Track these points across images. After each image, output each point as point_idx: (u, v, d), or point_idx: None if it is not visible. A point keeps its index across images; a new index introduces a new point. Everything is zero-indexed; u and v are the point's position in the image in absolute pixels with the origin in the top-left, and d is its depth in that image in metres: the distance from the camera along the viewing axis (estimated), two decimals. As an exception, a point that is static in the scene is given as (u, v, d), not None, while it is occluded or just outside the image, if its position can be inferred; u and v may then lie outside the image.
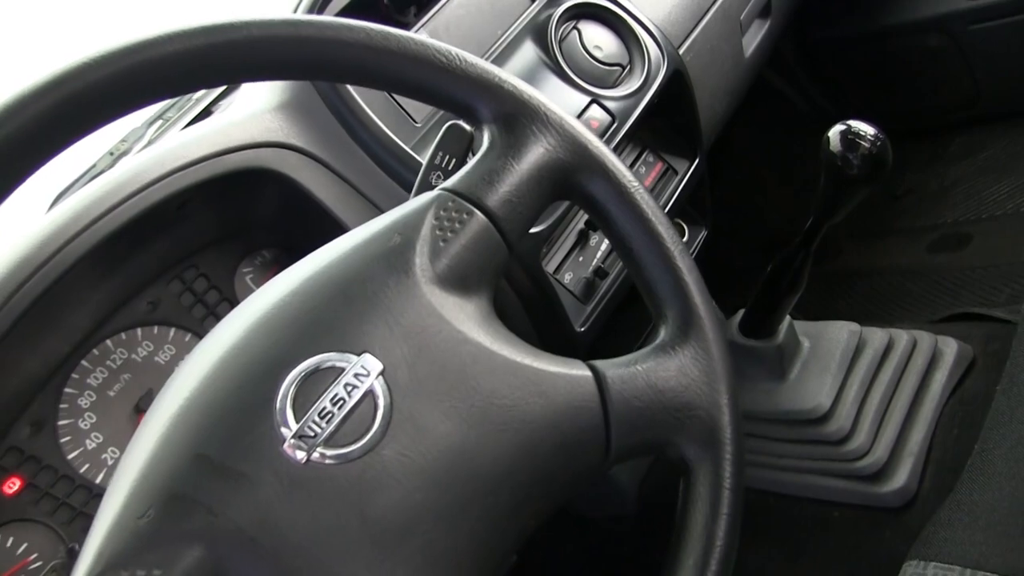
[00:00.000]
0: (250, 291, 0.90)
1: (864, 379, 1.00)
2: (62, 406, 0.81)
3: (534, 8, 1.02)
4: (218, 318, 0.88)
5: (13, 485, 0.78)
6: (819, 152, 0.78)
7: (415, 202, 0.55)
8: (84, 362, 0.83)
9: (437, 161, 0.64)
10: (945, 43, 1.54)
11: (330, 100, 0.84)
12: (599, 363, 0.54)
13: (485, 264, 0.54)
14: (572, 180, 0.57)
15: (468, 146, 0.65)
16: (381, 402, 0.47)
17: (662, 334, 0.57)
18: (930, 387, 1.00)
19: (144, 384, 0.84)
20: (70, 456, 0.80)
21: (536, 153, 0.56)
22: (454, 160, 0.65)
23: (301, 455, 0.45)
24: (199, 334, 0.87)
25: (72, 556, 0.78)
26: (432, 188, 0.59)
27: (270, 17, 0.51)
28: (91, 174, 1.08)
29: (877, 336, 1.04)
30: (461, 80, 0.55)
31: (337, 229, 0.84)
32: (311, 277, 0.51)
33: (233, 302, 0.89)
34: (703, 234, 1.17)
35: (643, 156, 1.08)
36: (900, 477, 0.94)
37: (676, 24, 1.08)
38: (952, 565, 0.68)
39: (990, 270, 1.34)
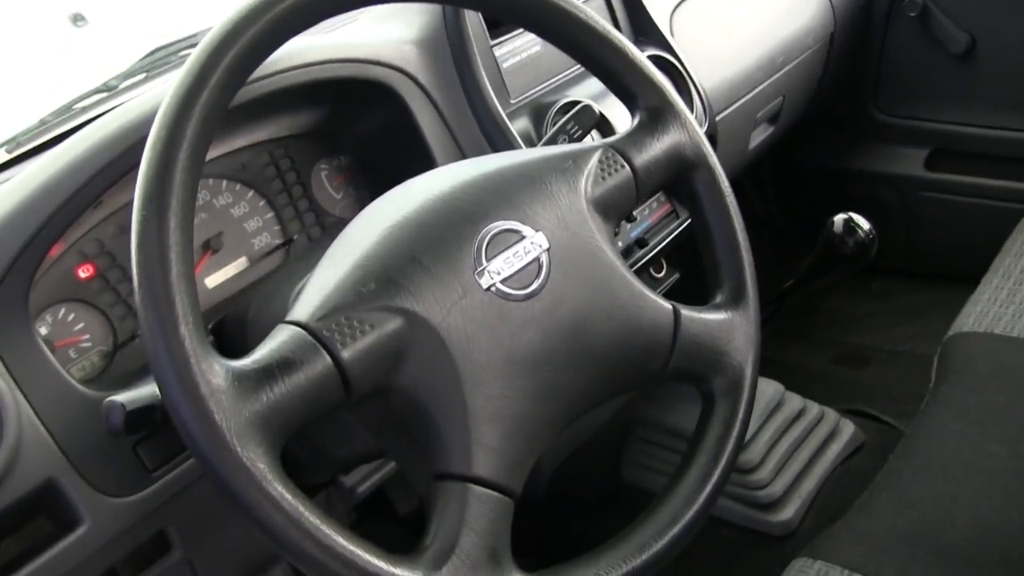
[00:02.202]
0: (322, 185, 1.03)
1: (778, 429, 1.20)
2: (144, 220, 0.91)
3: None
4: (291, 196, 1.00)
5: (87, 271, 0.87)
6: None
7: (585, 145, 0.71)
8: (173, 191, 0.93)
9: (568, 128, 0.81)
10: (895, 199, 1.80)
11: (456, 53, 0.99)
12: (678, 304, 0.70)
13: (621, 204, 0.70)
14: (688, 172, 0.75)
15: (594, 125, 0.82)
16: (543, 270, 0.63)
17: (718, 297, 0.75)
18: (826, 452, 1.20)
19: (215, 227, 0.95)
20: (138, 264, 0.90)
21: (674, 143, 0.73)
22: (580, 131, 0.81)
23: (485, 282, 0.60)
24: (273, 204, 0.99)
25: (123, 347, 0.88)
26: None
27: None
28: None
29: (796, 401, 1.25)
30: (637, 73, 0.73)
31: (423, 162, 0.98)
32: (505, 167, 0.66)
33: (307, 187, 1.01)
34: (675, 276, 1.35)
35: (658, 195, 1.26)
36: (787, 512, 1.13)
37: (719, 97, 1.28)
38: (835, 565, 0.86)
39: (880, 390, 1.58)
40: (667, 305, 0.70)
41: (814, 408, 1.25)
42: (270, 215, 0.99)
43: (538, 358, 0.61)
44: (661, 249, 1.20)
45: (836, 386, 1.62)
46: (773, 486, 1.14)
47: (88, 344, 0.86)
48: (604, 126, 1.04)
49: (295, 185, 1.01)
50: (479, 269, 0.61)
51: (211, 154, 0.95)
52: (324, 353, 0.55)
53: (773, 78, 1.47)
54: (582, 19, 0.71)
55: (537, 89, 1.07)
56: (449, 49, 0.99)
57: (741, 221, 0.76)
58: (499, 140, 0.99)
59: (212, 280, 0.94)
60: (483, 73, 0.99)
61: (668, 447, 1.26)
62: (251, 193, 0.98)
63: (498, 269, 0.61)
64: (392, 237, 0.61)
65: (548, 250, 0.64)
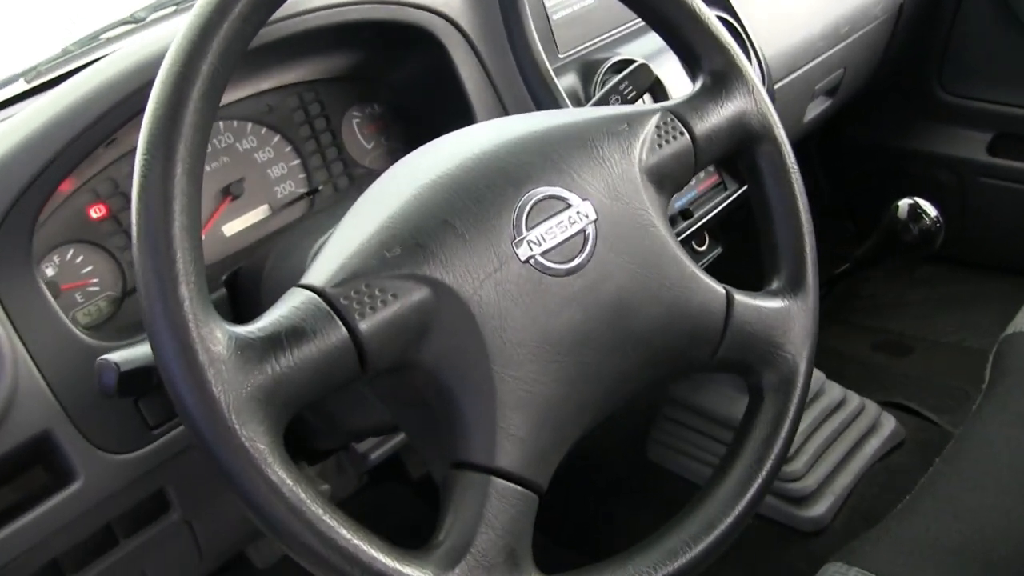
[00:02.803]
0: (353, 133, 0.97)
1: (816, 419, 1.14)
2: (162, 161, 0.86)
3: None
4: (319, 143, 0.95)
5: (99, 211, 0.82)
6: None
7: (641, 108, 0.65)
8: (194, 131, 0.88)
9: (622, 88, 0.74)
10: (953, 182, 1.71)
11: (503, 1, 0.92)
12: (731, 288, 0.64)
13: (677, 175, 0.64)
14: (752, 145, 0.68)
15: (650, 86, 0.75)
16: (589, 243, 0.57)
17: (775, 283, 0.68)
18: (864, 448, 1.14)
19: (237, 172, 0.90)
20: (155, 208, 0.85)
21: (738, 110, 0.67)
22: (634, 92, 0.75)
23: (524, 253, 0.54)
24: (299, 150, 0.93)
25: (132, 293, 0.83)
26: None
27: None
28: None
29: (836, 390, 1.18)
30: (703, 31, 0.66)
31: (462, 116, 0.92)
32: (554, 127, 0.60)
33: (336, 135, 0.96)
34: (717, 251, 1.29)
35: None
36: (820, 507, 1.07)
37: (778, 65, 1.20)
38: (871, 573, 0.81)
39: (921, 381, 1.51)
40: (719, 289, 0.64)
41: (854, 400, 1.19)
42: (296, 162, 0.93)
43: (576, 339, 0.56)
44: (706, 222, 1.14)
45: (875, 374, 1.55)
46: (806, 479, 1.08)
47: (96, 288, 0.82)
48: (657, 90, 0.97)
49: (324, 132, 0.95)
50: (518, 239, 0.55)
51: (236, 95, 0.89)
52: (339, 323, 0.50)
53: (835, 48, 1.39)
54: None
55: (588, 45, 1.00)
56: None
57: (806, 201, 0.70)
58: (545, 97, 0.92)
59: (230, 228, 0.89)
60: (531, 24, 0.93)
61: (697, 429, 1.21)
62: (277, 138, 0.92)
63: (539, 239, 0.55)
64: (423, 197, 0.55)
65: (595, 221, 0.58)
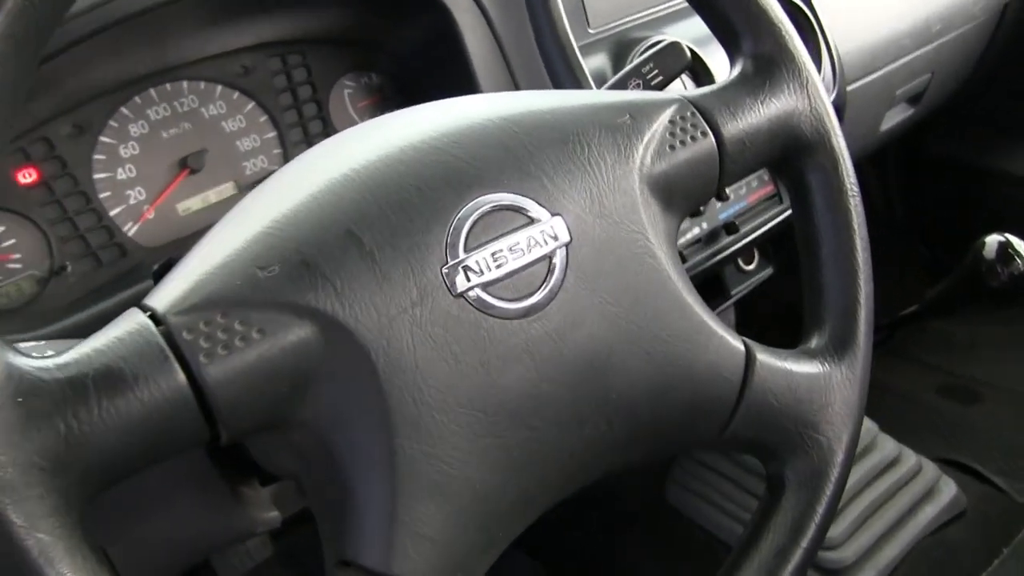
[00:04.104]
0: (343, 107, 0.83)
1: (863, 478, 0.98)
2: (111, 122, 0.73)
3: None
4: (301, 115, 0.81)
5: (29, 176, 0.70)
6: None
7: (653, 95, 0.49)
8: (152, 90, 0.75)
9: (644, 71, 0.59)
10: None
11: (525, -43, 0.78)
12: (752, 343, 0.49)
13: (692, 190, 0.49)
14: (800, 156, 0.52)
15: (681, 70, 0.60)
16: (555, 274, 0.42)
17: (815, 340, 0.53)
18: (917, 515, 0.98)
19: (199, 143, 0.77)
20: (96, 175, 0.73)
21: (784, 109, 0.51)
22: (661, 77, 0.59)
23: (458, 283, 0.40)
24: (276, 122, 0.80)
25: (59, 273, 0.71)
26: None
27: None
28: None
29: (889, 445, 1.02)
30: (744, 3, 0.50)
31: (465, 86, 0.78)
32: (531, 112, 0.45)
33: (322, 106, 0.82)
34: (767, 272, 1.12)
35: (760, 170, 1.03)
36: (859, 585, 0.91)
37: (855, 63, 1.03)
38: None
39: (989, 435, 1.33)
40: (736, 344, 0.48)
41: (910, 458, 1.02)
42: (271, 135, 0.80)
43: (526, 407, 0.41)
44: (756, 238, 0.98)
45: (936, 424, 1.37)
46: (845, 549, 0.92)
47: (17, 266, 0.70)
48: (702, 79, 0.82)
49: (308, 102, 0.82)
50: (452, 263, 0.40)
51: (204, 50, 0.76)
52: (176, 367, 0.36)
53: (923, 50, 1.21)
54: None
55: (625, 20, 0.85)
56: (516, -48, 0.78)
57: (866, 236, 0.53)
58: (564, 77, 0.77)
59: (186, 206, 0.76)
60: (557, -10, 0.78)
61: (724, 474, 1.06)
62: (251, 105, 0.79)
63: (483, 265, 0.41)
64: (324, 197, 0.40)
65: (567, 245, 0.43)
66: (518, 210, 0.42)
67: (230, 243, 0.39)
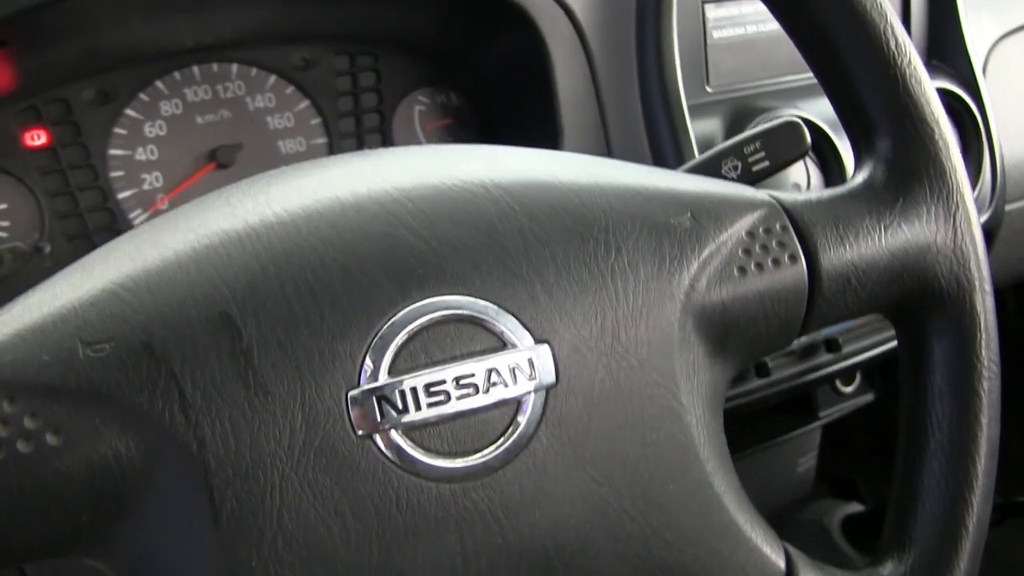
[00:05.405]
0: (410, 124, 0.73)
1: None
2: (141, 94, 0.65)
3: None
4: (359, 126, 0.71)
5: (38, 138, 0.62)
6: None
7: (735, 190, 0.36)
8: (196, 67, 0.66)
9: (746, 151, 0.45)
10: None
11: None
12: (798, 556, 0.35)
13: (758, 335, 0.35)
14: (926, 311, 0.38)
15: (794, 159, 0.46)
16: (520, 428, 0.29)
17: (890, 567, 0.38)
18: None
19: (235, 135, 0.67)
20: (112, 151, 0.64)
21: (915, 243, 0.37)
22: (766, 163, 0.45)
23: (363, 421, 0.28)
24: (329, 128, 0.70)
25: (38, 252, 0.62)
26: (718, 174, 0.42)
27: None
28: None
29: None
30: (893, 90, 0.36)
31: (547, 124, 0.66)
32: (544, 184, 0.33)
33: (386, 119, 0.71)
34: (868, 398, 0.97)
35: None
36: None
37: (1019, 176, 0.87)
38: None
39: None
40: (775, 559, 0.34)
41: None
42: (320, 141, 0.70)
43: None
44: (860, 361, 0.82)
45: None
46: None
47: (3, 234, 0.62)
48: (832, 175, 0.68)
49: (371, 112, 0.71)
50: (367, 387, 0.28)
51: (261, 30, 0.67)
52: None
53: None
54: None
55: (752, 85, 0.71)
56: (636, -13, 0.66)
57: (996, 436, 0.39)
58: (664, 136, 0.65)
59: (205, 203, 0.67)
60: (675, 34, 0.65)
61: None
62: (304, 104, 0.70)
63: (411, 399, 0.28)
64: (204, 259, 0.29)
65: (550, 389, 0.30)
66: (485, 326, 0.29)
67: (59, 297, 0.28)
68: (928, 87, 0.38)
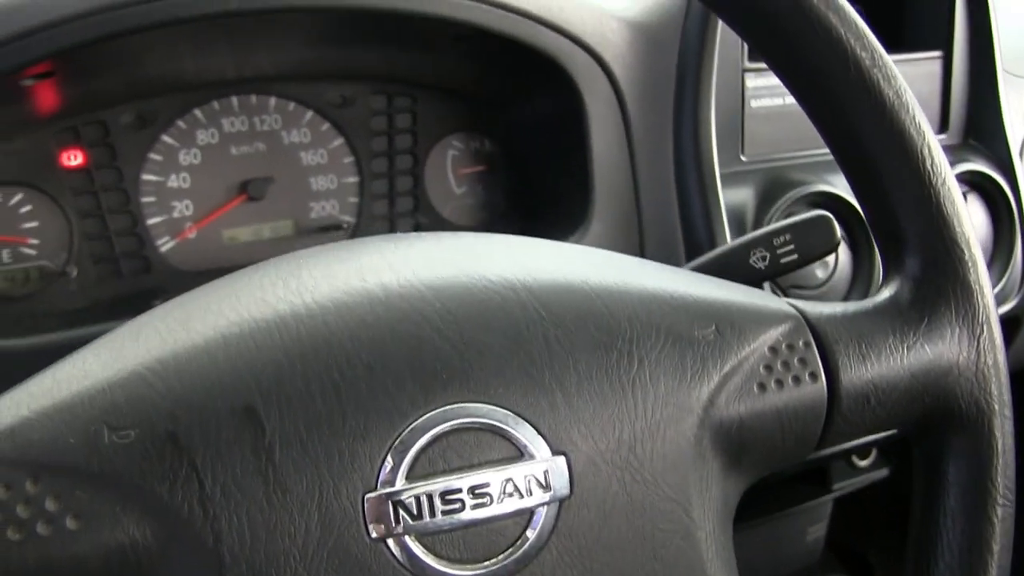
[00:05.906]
0: (442, 168, 0.73)
1: None
2: (179, 121, 0.65)
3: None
4: (392, 166, 0.71)
5: (75, 158, 0.63)
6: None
7: (756, 302, 0.35)
8: (235, 98, 0.67)
9: (775, 242, 0.45)
10: None
11: (685, 58, 0.65)
12: None
13: (774, 450, 0.35)
14: (942, 431, 0.37)
15: (824, 253, 0.46)
16: (532, 539, 0.29)
17: None
18: None
19: (267, 168, 0.68)
20: (145, 176, 0.65)
21: (938, 364, 0.36)
22: (796, 256, 0.45)
23: (377, 525, 0.28)
24: (362, 167, 0.70)
25: (64, 275, 0.63)
26: (745, 264, 0.42)
27: None
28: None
29: None
30: (924, 201, 0.36)
31: (578, 182, 0.66)
32: (573, 289, 0.32)
33: (419, 162, 0.72)
34: (882, 473, 0.95)
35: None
36: None
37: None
38: None
39: None
40: None
41: None
42: (352, 180, 0.70)
43: None
44: (877, 439, 0.81)
45: None
46: None
47: (32, 252, 0.63)
48: (859, 276, 0.67)
49: (405, 154, 0.72)
50: (384, 491, 0.28)
51: (301, 65, 0.67)
52: None
53: None
54: (871, 77, 0.35)
55: (788, 156, 0.71)
56: (677, 48, 0.65)
57: (1007, 563, 0.38)
58: (695, 205, 0.65)
59: (233, 234, 0.68)
60: (713, 100, 0.65)
61: None
62: (339, 141, 0.70)
63: (426, 505, 0.28)
64: (233, 348, 0.29)
65: (564, 501, 0.30)
66: (504, 435, 0.29)
67: (89, 376, 0.28)
68: (961, 206, 0.37)
